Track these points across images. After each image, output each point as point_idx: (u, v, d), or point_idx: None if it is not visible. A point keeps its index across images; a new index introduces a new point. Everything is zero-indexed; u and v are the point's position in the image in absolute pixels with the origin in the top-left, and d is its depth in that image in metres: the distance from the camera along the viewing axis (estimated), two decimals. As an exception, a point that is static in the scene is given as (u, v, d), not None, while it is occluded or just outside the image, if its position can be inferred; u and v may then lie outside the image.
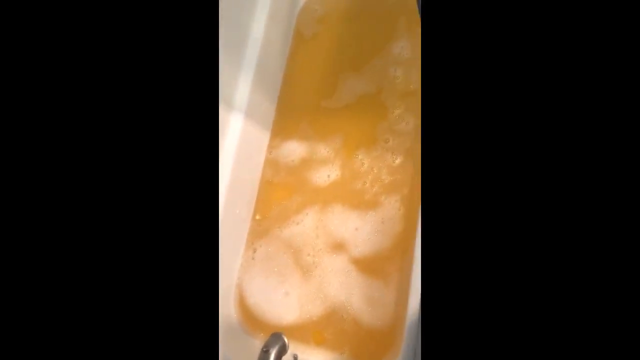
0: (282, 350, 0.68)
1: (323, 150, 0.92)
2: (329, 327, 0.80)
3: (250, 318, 0.85)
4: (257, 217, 0.93)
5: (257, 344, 0.81)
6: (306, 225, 0.88)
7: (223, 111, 0.84)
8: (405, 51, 0.94)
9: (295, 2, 1.06)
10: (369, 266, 0.80)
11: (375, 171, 0.87)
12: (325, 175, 0.90)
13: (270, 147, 0.97)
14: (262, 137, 0.96)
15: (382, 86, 0.92)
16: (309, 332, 0.81)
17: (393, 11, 0.98)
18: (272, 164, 0.95)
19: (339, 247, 0.84)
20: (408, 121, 0.88)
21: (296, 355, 0.74)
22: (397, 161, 0.86)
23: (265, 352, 0.66)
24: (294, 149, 0.94)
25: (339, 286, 0.81)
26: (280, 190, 0.93)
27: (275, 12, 0.97)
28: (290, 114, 0.99)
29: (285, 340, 0.75)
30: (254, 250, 0.90)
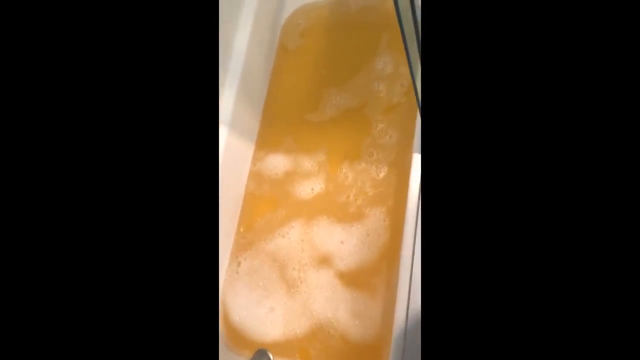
0: (268, 367, 0.66)
1: (307, 163, 0.92)
2: (315, 343, 0.79)
3: (234, 334, 0.83)
4: (241, 229, 0.91)
5: (242, 361, 0.79)
6: (291, 239, 0.87)
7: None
8: (388, 66, 0.96)
9: (278, 15, 1.07)
10: (355, 279, 0.80)
11: (359, 184, 0.87)
12: (309, 188, 0.89)
13: (255, 160, 0.96)
14: (247, 150, 0.96)
15: (366, 100, 0.94)
16: (295, 348, 0.79)
17: (376, 27, 1.00)
18: (256, 176, 0.95)
19: (324, 260, 0.84)
20: (392, 135, 0.89)
21: None
22: (382, 174, 0.87)
23: (250, 370, 0.65)
24: (278, 162, 0.94)
25: (325, 301, 0.80)
26: (264, 203, 0.92)
27: (258, 25, 0.98)
28: (274, 127, 0.99)
29: (271, 356, 0.74)
30: (239, 264, 0.89)
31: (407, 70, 0.96)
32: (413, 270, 0.64)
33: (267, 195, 0.92)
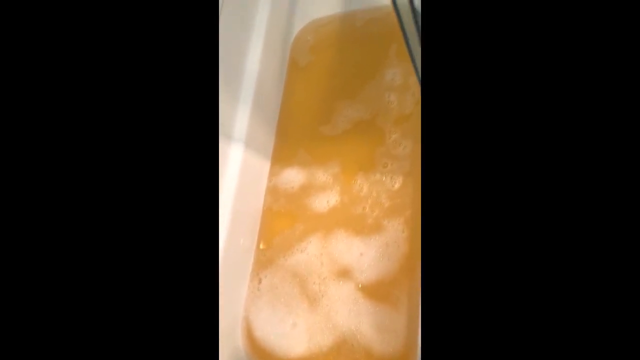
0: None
1: (322, 176, 0.92)
2: (339, 357, 0.79)
3: (258, 352, 0.84)
4: (261, 246, 0.92)
5: (267, 378, 0.79)
6: (310, 253, 0.87)
7: (223, 144, 0.85)
8: (398, 77, 0.96)
9: (287, 33, 1.09)
10: (377, 292, 0.80)
11: (374, 195, 0.87)
12: (325, 201, 0.90)
13: (271, 175, 0.97)
14: (263, 167, 0.97)
15: (378, 111, 0.94)
16: (320, 363, 0.79)
17: (383, 39, 1.01)
18: (272, 191, 0.96)
19: (345, 273, 0.84)
20: (405, 145, 0.89)
21: None
22: (397, 185, 0.87)
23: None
24: (293, 176, 0.95)
25: (348, 314, 0.80)
26: (282, 218, 0.93)
27: (269, 44, 0.99)
28: (288, 141, 1.00)
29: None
30: (260, 281, 0.89)
31: (417, 80, 0.96)
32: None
33: (284, 210, 0.93)
